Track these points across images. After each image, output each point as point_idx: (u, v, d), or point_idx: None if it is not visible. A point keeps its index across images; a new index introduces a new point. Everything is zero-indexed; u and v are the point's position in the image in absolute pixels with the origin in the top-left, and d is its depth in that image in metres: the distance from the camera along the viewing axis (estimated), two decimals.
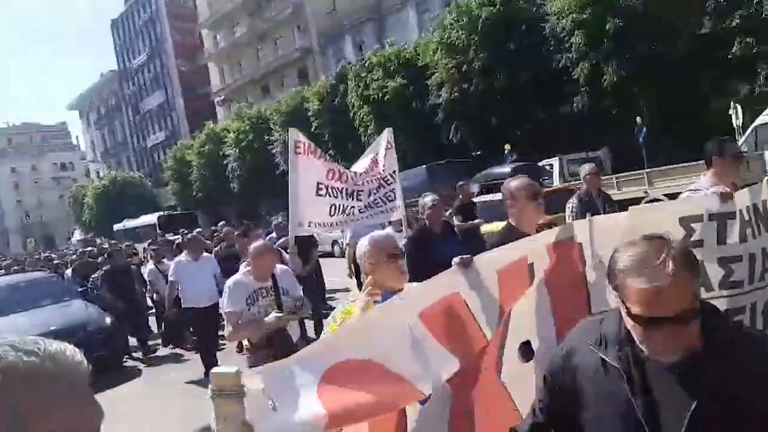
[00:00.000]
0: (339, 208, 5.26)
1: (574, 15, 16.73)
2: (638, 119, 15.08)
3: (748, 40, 14.37)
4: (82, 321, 8.06)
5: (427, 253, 4.80)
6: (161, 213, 33.63)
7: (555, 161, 14.12)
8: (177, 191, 41.86)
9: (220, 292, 6.40)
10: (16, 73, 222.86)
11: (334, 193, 5.22)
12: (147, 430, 5.98)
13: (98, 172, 64.35)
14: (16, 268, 16.31)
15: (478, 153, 21.29)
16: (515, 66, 18.80)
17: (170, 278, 7.37)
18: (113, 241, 21.66)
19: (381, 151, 5.52)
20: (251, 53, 43.86)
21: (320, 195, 5.18)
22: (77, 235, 58.04)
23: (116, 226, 37.97)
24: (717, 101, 15.72)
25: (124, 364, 8.90)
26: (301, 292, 4.09)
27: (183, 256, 7.51)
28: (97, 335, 8.12)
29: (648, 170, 12.67)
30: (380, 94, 22.93)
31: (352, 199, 5.32)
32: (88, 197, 51.47)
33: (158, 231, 25.18)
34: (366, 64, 24.42)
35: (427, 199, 5.55)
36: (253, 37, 42.98)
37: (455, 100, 20.34)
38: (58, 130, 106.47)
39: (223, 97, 45.47)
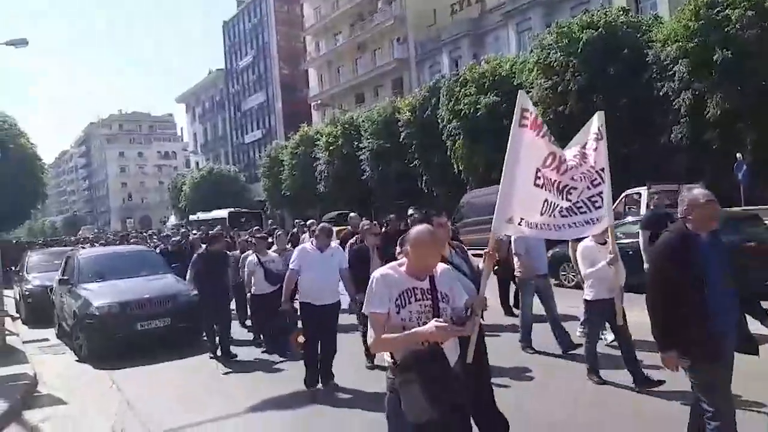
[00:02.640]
0: (550, 206, 4.24)
1: (680, 43, 16.24)
2: (739, 155, 14.41)
3: None
4: (173, 293, 8.78)
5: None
6: (231, 209, 35.42)
7: (643, 190, 13.75)
8: (268, 188, 43.62)
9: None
10: (131, 64, 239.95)
11: (548, 185, 4.23)
12: None
13: (197, 163, 68.08)
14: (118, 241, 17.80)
15: None
16: (614, 91, 18.41)
17: (291, 266, 6.51)
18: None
19: (590, 142, 4.49)
20: (350, 61, 45.19)
21: (537, 185, 4.19)
22: (172, 220, 61.70)
23: (191, 217, 40.30)
24: None
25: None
26: (464, 303, 3.18)
27: (308, 244, 6.80)
28: (185, 307, 8.78)
29: (743, 209, 12.10)
30: (472, 110, 23.05)
31: (562, 197, 4.28)
32: (186, 185, 54.55)
33: (227, 225, 26.37)
34: (460, 79, 24.63)
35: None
36: (353, 46, 44.30)
37: (548, 121, 20.14)
38: (164, 120, 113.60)
39: (319, 101, 46.99)
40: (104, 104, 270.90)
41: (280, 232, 10.80)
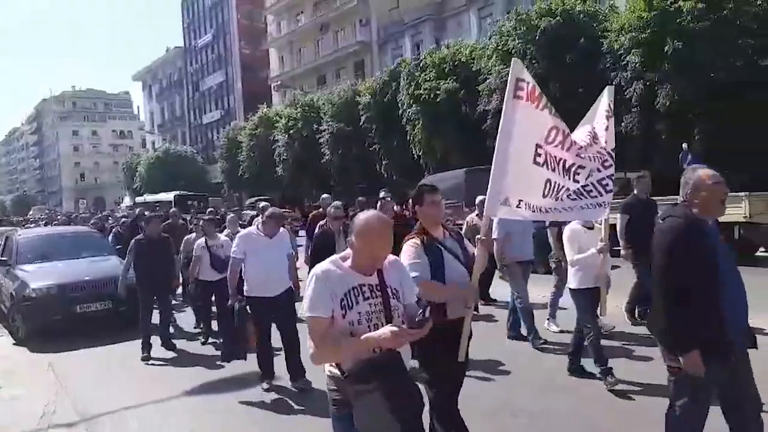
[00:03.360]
0: (554, 187, 3.83)
1: (633, 33, 16.50)
2: (684, 145, 14.77)
3: None
4: (114, 275, 8.49)
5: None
6: (177, 192, 35.77)
7: None
8: (225, 169, 42.93)
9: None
10: (85, 39, 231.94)
11: (552, 163, 3.81)
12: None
13: (153, 143, 66.51)
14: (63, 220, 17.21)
15: None
16: (571, 79, 18.63)
17: (234, 254, 5.81)
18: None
19: (600, 120, 4.19)
20: (312, 42, 44.58)
21: (537, 163, 3.78)
22: (126, 201, 60.24)
23: (138, 199, 39.81)
24: None
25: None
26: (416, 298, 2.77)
27: (253, 229, 5.99)
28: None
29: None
30: (431, 95, 23.04)
31: (569, 178, 3.88)
32: (141, 166, 53.27)
33: (174, 208, 26.02)
34: (420, 64, 24.56)
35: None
36: (315, 27, 43.67)
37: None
38: (121, 98, 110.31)
39: (279, 82, 46.30)
40: (58, 81, 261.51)
41: (231, 215, 10.03)
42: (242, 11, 54.93)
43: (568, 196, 3.88)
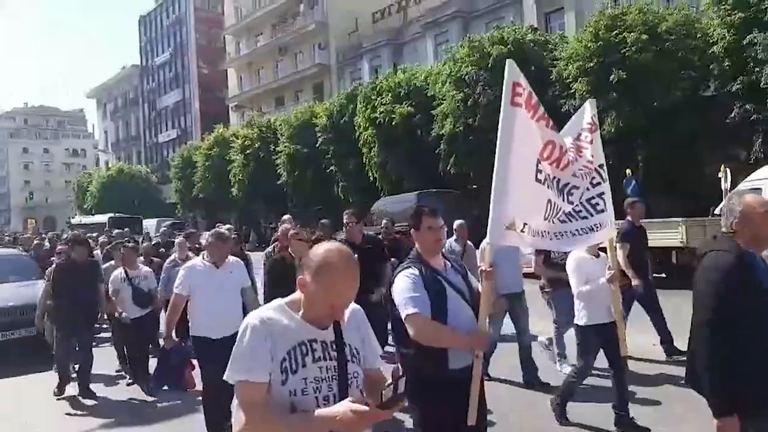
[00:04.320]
0: (553, 208, 3.45)
1: (580, 62, 16.96)
2: (628, 171, 15.17)
3: (747, 106, 14.50)
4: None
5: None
6: (112, 214, 34.77)
7: None
8: (179, 189, 42.14)
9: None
10: (39, 55, 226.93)
11: (549, 182, 3.43)
12: None
13: (107, 162, 64.89)
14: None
15: (474, 187, 21.45)
16: None
17: (177, 290, 5.05)
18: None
19: (584, 133, 3.82)
20: (271, 64, 44.48)
21: (539, 181, 3.38)
22: (104, 218, 58.39)
23: (73, 220, 38.93)
24: (714, 164, 15.86)
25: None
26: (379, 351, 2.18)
27: (199, 260, 5.25)
28: None
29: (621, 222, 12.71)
30: (387, 118, 23.17)
31: (563, 199, 3.51)
32: (92, 185, 51.83)
33: (107, 230, 25.22)
34: (377, 87, 24.72)
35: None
36: (274, 49, 43.63)
37: (458, 132, 20.52)
38: (75, 116, 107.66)
39: (236, 103, 45.97)
40: (8, 97, 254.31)
41: (180, 238, 9.07)
42: (201, 31, 54.56)
43: (559, 218, 3.49)
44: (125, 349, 7.27)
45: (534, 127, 3.39)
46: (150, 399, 6.32)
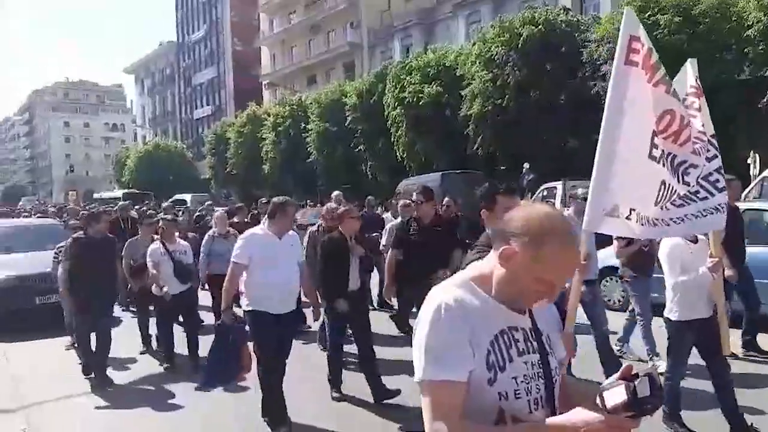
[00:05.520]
0: (668, 190, 2.91)
1: (611, 45, 16.70)
2: None
3: None
4: None
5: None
6: (126, 190, 38.01)
7: (559, 184, 14.39)
8: (213, 166, 42.93)
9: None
10: (78, 30, 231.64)
11: (664, 160, 2.89)
12: None
13: (144, 137, 66.36)
14: (25, 214, 17.30)
15: (503, 168, 21.45)
16: (552, 87, 18.88)
17: (236, 259, 4.64)
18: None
19: (690, 98, 3.28)
20: (303, 42, 44.69)
21: (654, 158, 2.87)
22: (119, 193, 60.11)
23: (95, 195, 40.79)
24: (747, 149, 15.57)
25: None
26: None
27: (260, 229, 4.88)
28: None
29: None
30: (415, 98, 23.21)
31: (677, 179, 2.95)
32: (130, 160, 53.13)
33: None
34: (406, 67, 24.73)
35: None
36: (306, 27, 43.78)
37: (487, 112, 20.48)
38: (113, 91, 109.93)
39: (269, 81, 46.40)
40: (50, 71, 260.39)
41: (219, 211, 8.95)
42: (235, 8, 54.98)
43: (673, 203, 2.97)
44: (158, 326, 6.97)
45: (650, 93, 2.86)
46: (175, 388, 5.94)
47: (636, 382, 1.31)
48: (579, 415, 1.37)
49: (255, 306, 4.57)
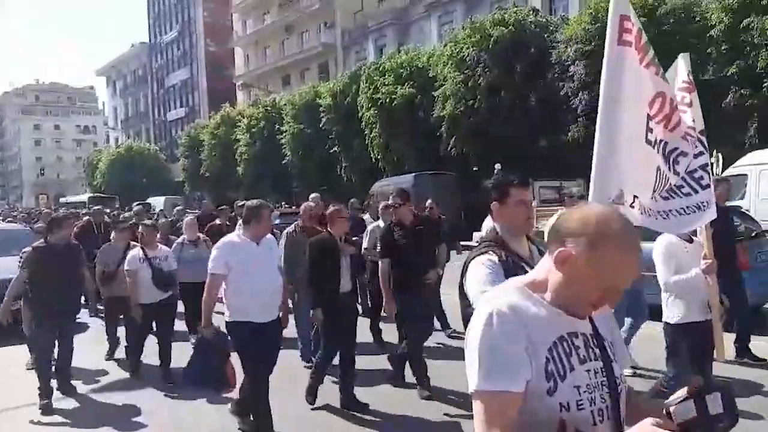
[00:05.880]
0: (661, 179, 2.95)
1: (579, 45, 16.97)
2: None
3: (743, 91, 14.53)
4: None
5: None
6: (92, 194, 39.19)
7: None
8: (186, 168, 42.55)
9: None
10: (49, 32, 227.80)
11: (657, 146, 2.91)
12: None
13: (116, 139, 65.46)
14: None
15: (475, 169, 21.62)
16: (522, 88, 19.10)
17: (214, 270, 4.46)
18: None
19: (681, 93, 3.21)
20: (277, 43, 44.53)
21: (650, 142, 2.88)
22: (85, 197, 59.27)
23: (61, 199, 41.36)
24: (710, 148, 15.89)
25: None
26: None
27: (236, 236, 4.70)
28: None
29: None
30: (388, 99, 23.29)
31: (669, 167, 2.96)
32: (102, 162, 52.39)
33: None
34: (380, 68, 24.80)
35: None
36: (280, 28, 43.62)
37: (459, 114, 20.64)
38: (85, 93, 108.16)
39: (242, 81, 46.11)
40: (20, 73, 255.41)
41: (190, 217, 8.52)
42: (208, 9, 54.58)
43: (662, 195, 2.94)
44: (127, 335, 6.74)
45: (644, 74, 2.80)
46: (145, 397, 5.74)
47: (707, 399, 1.22)
48: (650, 429, 1.24)
49: (237, 317, 4.38)
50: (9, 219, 19.85)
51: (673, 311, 4.06)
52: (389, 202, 6.07)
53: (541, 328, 1.39)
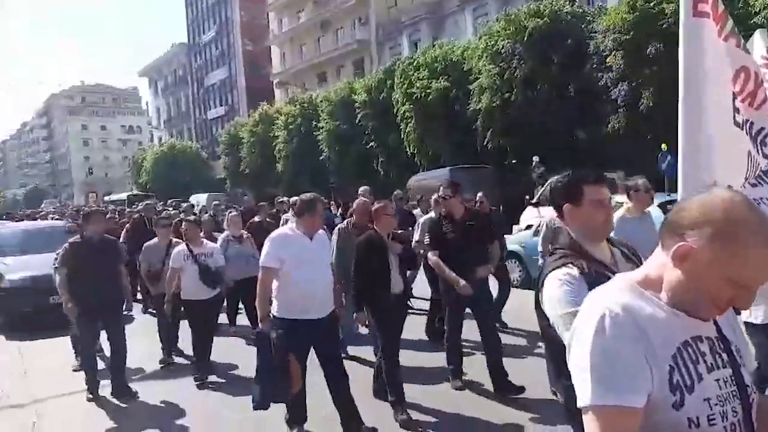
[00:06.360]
0: (752, 164, 2.67)
1: (617, 35, 16.66)
2: (663, 146, 14.97)
3: None
4: None
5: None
6: (131, 192, 41.87)
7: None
8: (227, 166, 43.38)
9: None
10: (94, 34, 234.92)
11: (746, 127, 2.65)
12: None
13: (160, 139, 67.14)
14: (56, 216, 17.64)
15: (513, 161, 21.47)
16: (558, 80, 18.87)
17: (266, 263, 4.27)
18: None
19: (762, 70, 2.86)
20: (312, 40, 44.91)
21: (737, 124, 2.64)
22: (125, 195, 61.11)
23: (105, 198, 44.12)
24: None
25: None
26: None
27: (288, 229, 4.57)
28: None
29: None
30: (423, 94, 23.30)
31: (757, 149, 2.68)
32: (147, 161, 53.87)
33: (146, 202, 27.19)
34: (414, 63, 24.82)
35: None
36: (316, 25, 43.98)
37: (495, 107, 20.51)
38: (129, 93, 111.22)
39: (279, 80, 46.71)
40: (67, 75, 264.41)
41: (233, 213, 8.55)
42: (244, 8, 55.38)
43: (750, 182, 2.58)
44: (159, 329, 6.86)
45: (723, 48, 2.58)
46: (198, 395, 5.71)
47: None
48: None
49: (286, 314, 4.22)
50: (57, 217, 20.69)
51: (760, 310, 3.51)
52: (440, 194, 5.75)
53: (661, 332, 1.22)
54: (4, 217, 33.15)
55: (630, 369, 1.19)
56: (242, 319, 7.96)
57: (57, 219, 17.21)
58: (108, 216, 11.36)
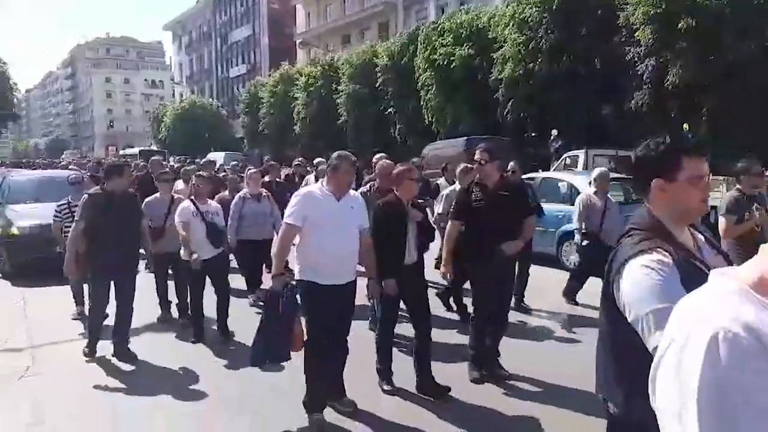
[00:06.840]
0: None
1: (646, 8, 16.06)
2: (685, 126, 14.55)
3: None
4: None
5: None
6: (143, 147, 42.86)
7: (581, 153, 14.11)
8: (246, 125, 43.30)
9: None
10: None
11: None
12: None
13: (181, 95, 67.11)
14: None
15: (533, 134, 21.11)
16: (584, 52, 18.35)
17: (289, 220, 4.07)
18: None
19: None
20: (339, 1, 44.15)
21: None
22: (136, 151, 61.45)
23: (120, 152, 45.63)
24: None
25: None
26: None
27: (317, 188, 4.32)
28: None
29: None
30: (446, 60, 22.85)
31: None
32: (167, 116, 53.97)
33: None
34: (438, 28, 24.29)
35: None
36: None
37: (518, 77, 20.06)
38: (153, 48, 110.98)
39: (302, 40, 46.15)
40: (92, 26, 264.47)
41: (252, 170, 8.15)
42: None
43: None
44: (189, 298, 6.25)
45: None
46: (201, 359, 5.45)
47: None
48: None
49: (308, 276, 4.03)
50: (76, 167, 20.76)
51: None
52: (473, 162, 5.17)
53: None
54: (23, 165, 33.72)
55: (762, 414, 0.87)
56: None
57: (75, 170, 17.28)
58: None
